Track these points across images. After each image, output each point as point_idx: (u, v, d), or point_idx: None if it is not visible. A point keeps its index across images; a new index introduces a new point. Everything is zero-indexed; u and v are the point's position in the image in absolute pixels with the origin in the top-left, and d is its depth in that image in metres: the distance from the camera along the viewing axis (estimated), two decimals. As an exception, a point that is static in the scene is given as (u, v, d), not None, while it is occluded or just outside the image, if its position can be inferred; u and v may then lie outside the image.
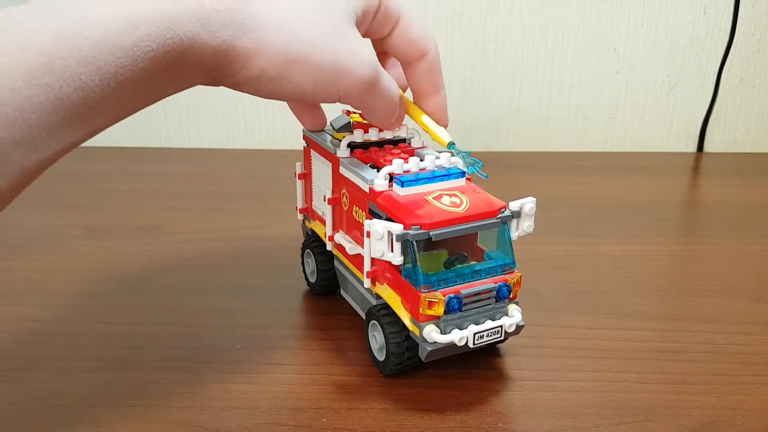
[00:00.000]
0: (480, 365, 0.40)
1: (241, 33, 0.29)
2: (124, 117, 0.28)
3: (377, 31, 0.37)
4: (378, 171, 0.39)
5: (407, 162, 0.39)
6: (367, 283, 0.39)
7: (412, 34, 0.37)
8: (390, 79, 0.36)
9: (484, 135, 0.81)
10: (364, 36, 0.36)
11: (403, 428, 0.35)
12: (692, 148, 0.82)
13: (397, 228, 0.35)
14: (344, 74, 0.32)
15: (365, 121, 0.44)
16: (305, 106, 0.43)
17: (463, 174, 0.39)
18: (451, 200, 0.37)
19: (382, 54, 0.40)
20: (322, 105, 0.44)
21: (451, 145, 0.39)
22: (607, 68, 0.79)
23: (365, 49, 0.33)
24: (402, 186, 0.37)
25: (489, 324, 0.37)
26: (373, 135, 0.42)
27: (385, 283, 0.38)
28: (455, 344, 0.36)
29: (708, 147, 0.82)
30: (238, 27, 0.29)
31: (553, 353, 0.42)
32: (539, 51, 0.78)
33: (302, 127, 0.47)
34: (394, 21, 0.37)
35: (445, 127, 0.41)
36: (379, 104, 0.36)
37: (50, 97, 0.24)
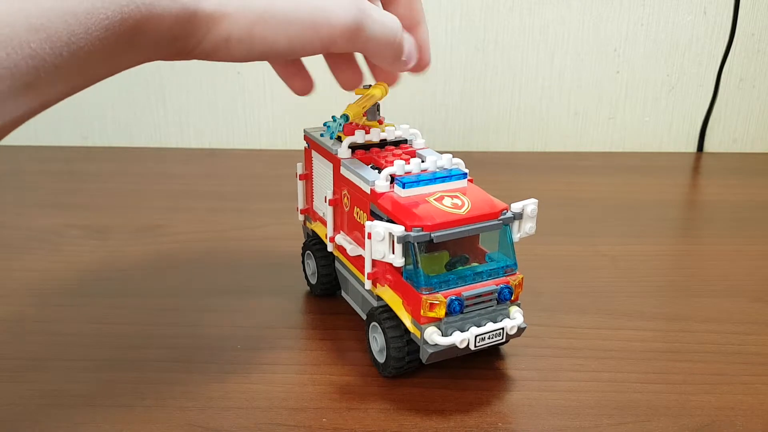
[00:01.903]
0: (480, 365, 0.40)
1: None
2: (81, 89, 0.27)
3: None
4: (379, 172, 0.39)
5: (408, 163, 0.39)
6: (368, 284, 0.39)
7: None
8: (382, 14, 0.33)
9: (484, 135, 0.81)
10: None
11: (403, 428, 0.35)
12: (692, 148, 0.82)
13: (398, 229, 0.35)
14: (320, 22, 0.30)
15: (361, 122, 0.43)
16: (289, 67, 0.40)
17: (464, 175, 0.39)
18: (452, 202, 0.37)
19: None
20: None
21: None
22: (607, 68, 0.79)
23: None
24: (403, 187, 0.37)
25: (490, 326, 0.36)
26: (374, 136, 0.42)
27: (386, 285, 0.38)
28: (456, 346, 0.36)
29: (708, 147, 0.82)
30: None
31: (553, 353, 0.42)
32: (539, 51, 0.78)
33: (303, 128, 0.47)
34: None
35: (428, 62, 0.39)
36: (376, 46, 0.33)
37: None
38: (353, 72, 0.39)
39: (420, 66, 0.38)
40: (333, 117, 0.40)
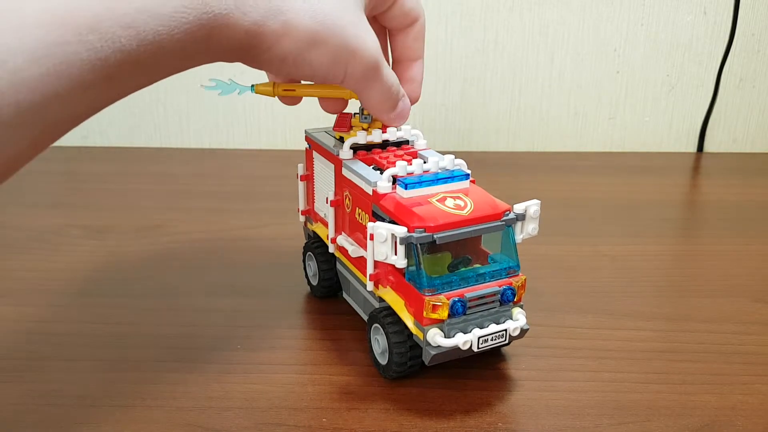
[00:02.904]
0: (480, 365, 0.40)
1: (271, 15, 0.30)
2: (154, 82, 0.29)
3: (377, 7, 0.38)
4: (381, 173, 0.39)
5: (411, 164, 0.39)
6: (370, 286, 0.39)
7: (407, 5, 0.38)
8: (391, 72, 0.37)
9: (484, 135, 0.81)
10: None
11: (403, 428, 0.35)
12: (692, 148, 0.82)
13: (400, 231, 0.35)
14: (352, 55, 0.33)
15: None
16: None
17: (467, 176, 0.39)
18: (455, 203, 0.37)
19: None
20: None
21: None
22: (607, 68, 0.79)
23: (371, 33, 0.34)
24: (405, 188, 0.37)
25: (493, 327, 0.36)
26: (376, 137, 0.42)
27: (388, 286, 0.38)
28: (459, 348, 0.36)
29: (708, 147, 0.82)
30: (268, 9, 0.30)
31: (553, 353, 0.42)
32: (539, 51, 0.78)
33: (304, 128, 0.47)
34: None
35: (417, 98, 0.41)
36: (379, 92, 0.36)
37: (91, 56, 0.24)
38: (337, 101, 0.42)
39: (410, 100, 0.42)
40: (230, 80, 0.40)
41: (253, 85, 0.40)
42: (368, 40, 0.34)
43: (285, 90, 0.40)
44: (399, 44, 0.41)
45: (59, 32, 0.23)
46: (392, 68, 0.41)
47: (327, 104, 0.42)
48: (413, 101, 0.42)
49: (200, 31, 0.28)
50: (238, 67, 0.37)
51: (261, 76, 0.41)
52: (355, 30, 0.33)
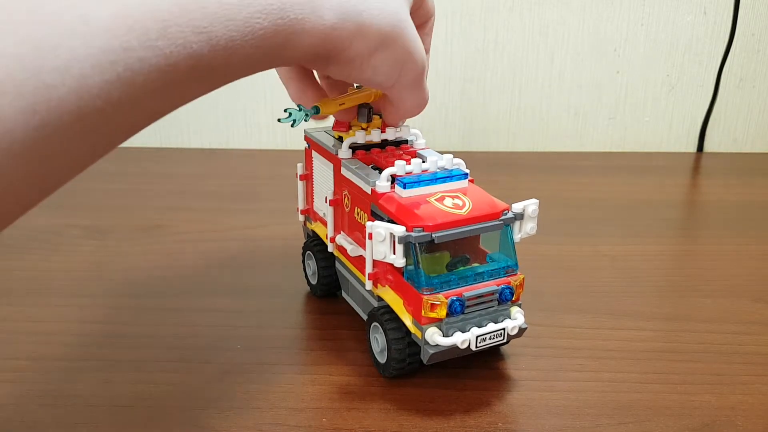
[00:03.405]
0: (480, 365, 0.40)
1: (348, 16, 0.29)
2: (220, 86, 0.28)
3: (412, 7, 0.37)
4: (380, 172, 0.39)
5: (409, 163, 0.39)
6: (368, 285, 0.39)
7: (429, 2, 0.38)
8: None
9: (484, 135, 0.81)
10: None
11: (403, 428, 0.35)
12: (692, 148, 0.82)
13: (399, 230, 0.35)
14: (410, 58, 0.33)
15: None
16: (305, 81, 0.40)
17: (465, 176, 0.39)
18: (453, 202, 0.37)
19: None
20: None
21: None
22: (607, 68, 0.79)
23: (419, 37, 0.34)
24: (404, 188, 0.37)
25: (492, 327, 0.36)
26: (375, 136, 0.42)
27: (386, 286, 0.38)
28: (458, 347, 0.36)
29: (708, 147, 0.82)
30: (345, 10, 0.29)
31: (553, 353, 0.42)
32: (539, 51, 0.78)
33: (303, 128, 0.47)
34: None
35: (417, 114, 0.40)
36: (418, 97, 0.36)
37: (160, 62, 0.24)
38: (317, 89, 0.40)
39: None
40: (299, 106, 0.39)
41: (316, 107, 0.39)
42: (420, 44, 0.33)
43: (340, 105, 0.39)
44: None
45: (126, 38, 0.23)
46: None
47: (348, 113, 0.41)
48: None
49: (275, 38, 0.27)
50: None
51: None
52: (413, 32, 0.33)
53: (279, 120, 0.38)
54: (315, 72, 0.39)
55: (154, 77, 0.24)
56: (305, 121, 0.39)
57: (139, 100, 0.24)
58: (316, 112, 0.38)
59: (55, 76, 0.21)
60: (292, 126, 0.38)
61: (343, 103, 0.40)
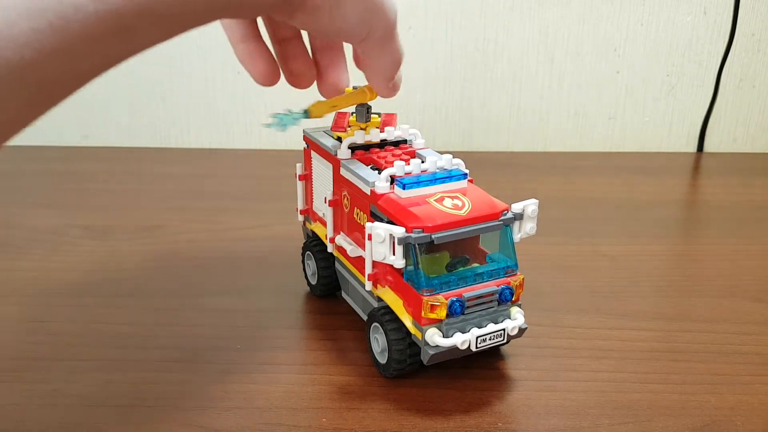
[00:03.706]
0: (480, 365, 0.40)
1: None
2: (174, 35, 0.26)
3: None
4: (379, 173, 0.39)
5: (408, 164, 0.39)
6: (368, 285, 0.39)
7: None
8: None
9: (484, 135, 0.81)
10: None
11: (403, 428, 0.35)
12: (692, 148, 0.82)
13: (398, 231, 0.35)
14: (381, 10, 0.32)
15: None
16: (257, 43, 0.38)
17: (465, 176, 0.39)
18: (453, 202, 0.37)
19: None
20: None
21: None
22: (607, 68, 0.79)
23: None
24: (403, 188, 0.37)
25: (492, 327, 0.36)
26: (374, 136, 0.42)
27: (386, 286, 0.38)
28: (458, 348, 0.36)
29: (708, 147, 0.82)
30: None
31: (553, 353, 0.42)
32: (539, 51, 0.78)
33: (303, 129, 0.47)
34: None
35: (394, 74, 0.39)
36: (390, 56, 0.35)
37: (99, 8, 0.22)
38: (271, 64, 0.38)
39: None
40: (289, 110, 0.38)
41: (305, 110, 0.39)
42: None
43: (331, 107, 0.39)
44: None
45: None
46: None
47: (327, 89, 0.39)
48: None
49: None
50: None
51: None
52: None
53: (267, 125, 0.37)
54: (270, 37, 0.38)
55: (93, 24, 0.22)
56: (294, 125, 0.38)
57: (78, 50, 0.22)
58: (306, 116, 0.38)
59: None
60: (281, 131, 0.38)
61: (336, 105, 0.40)
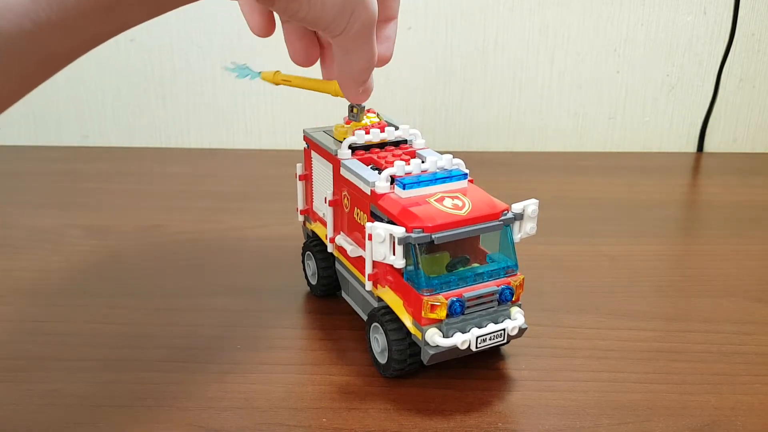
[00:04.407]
0: (480, 365, 0.40)
1: None
2: (161, 12, 0.26)
3: None
4: (379, 173, 0.39)
5: (409, 164, 0.39)
6: (368, 285, 0.39)
7: None
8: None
9: (484, 135, 0.81)
10: None
11: (403, 428, 0.35)
12: (692, 148, 0.82)
13: (398, 231, 0.35)
14: (359, 5, 0.32)
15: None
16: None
17: (465, 176, 0.39)
18: (453, 202, 0.37)
19: None
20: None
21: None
22: (607, 68, 0.79)
23: None
24: (404, 188, 0.37)
25: (492, 327, 0.36)
26: (374, 136, 0.42)
27: (386, 286, 0.38)
28: (458, 348, 0.36)
29: (708, 147, 0.82)
30: None
31: (553, 353, 0.42)
32: (539, 51, 0.78)
33: (303, 128, 0.47)
34: None
35: (389, 57, 0.40)
36: (366, 54, 0.35)
37: None
38: (268, 16, 0.38)
39: (381, 60, 0.39)
40: (247, 65, 0.42)
41: (259, 72, 0.42)
42: None
43: (283, 80, 0.42)
44: (379, 3, 0.38)
45: None
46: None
47: (298, 53, 0.39)
48: (386, 60, 0.40)
49: None
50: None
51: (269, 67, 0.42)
52: None
53: (226, 68, 0.39)
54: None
55: None
56: (245, 79, 0.42)
57: (71, 23, 0.22)
58: (257, 77, 0.42)
59: None
60: (236, 77, 0.41)
61: (289, 80, 0.42)
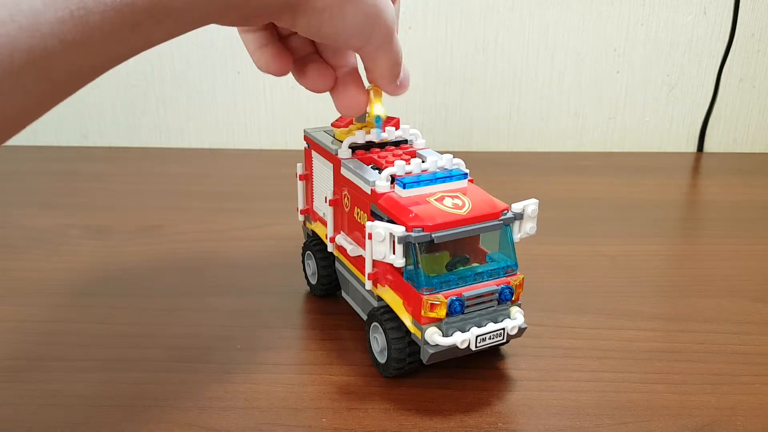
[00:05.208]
0: (480, 365, 0.40)
1: None
2: (183, 32, 0.27)
3: None
4: (380, 172, 0.39)
5: (409, 163, 0.39)
6: (368, 285, 0.39)
7: None
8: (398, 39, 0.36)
9: (484, 135, 0.81)
10: None
11: (403, 428, 0.35)
12: (692, 148, 0.82)
13: (398, 230, 0.35)
14: (378, 18, 0.32)
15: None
16: (272, 46, 0.38)
17: (465, 176, 0.39)
18: (453, 202, 0.37)
19: None
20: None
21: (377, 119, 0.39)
22: (607, 68, 0.79)
23: None
24: (404, 187, 0.37)
25: (491, 326, 0.36)
26: (374, 136, 0.42)
27: (386, 285, 0.38)
28: (457, 347, 0.36)
29: (708, 147, 0.82)
30: None
31: (553, 353, 0.42)
32: (539, 51, 0.78)
33: (303, 128, 0.47)
34: None
35: (397, 75, 0.39)
36: (392, 59, 0.35)
37: (116, 0, 0.22)
38: (284, 57, 0.37)
39: (402, 87, 0.39)
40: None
41: (378, 116, 0.39)
42: (390, 3, 0.33)
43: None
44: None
45: None
46: None
47: (269, 63, 0.38)
48: (404, 88, 0.39)
49: None
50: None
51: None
52: None
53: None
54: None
55: (110, 17, 0.23)
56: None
57: (96, 42, 0.23)
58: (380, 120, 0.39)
59: (2, 12, 0.20)
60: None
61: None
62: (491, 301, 0.37)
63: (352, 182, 0.40)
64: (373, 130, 0.42)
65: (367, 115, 0.43)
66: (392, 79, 0.37)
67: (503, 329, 0.37)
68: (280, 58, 0.37)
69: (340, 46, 0.35)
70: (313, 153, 0.46)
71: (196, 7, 0.25)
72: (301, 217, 0.49)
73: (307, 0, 0.29)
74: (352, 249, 0.41)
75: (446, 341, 0.35)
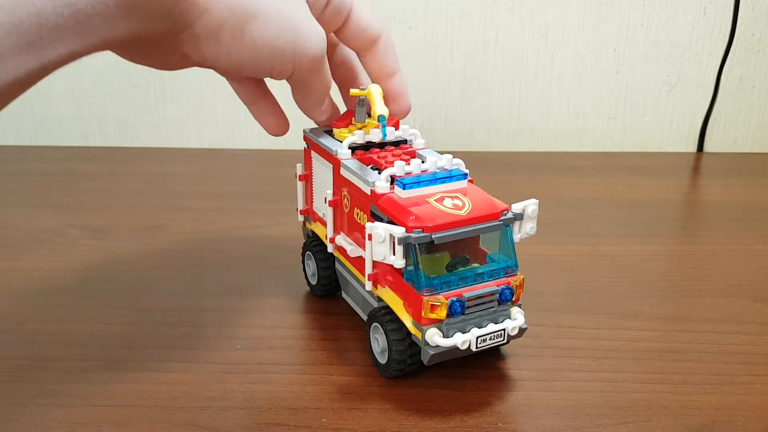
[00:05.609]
0: (480, 365, 0.40)
1: None
2: (78, 56, 0.27)
3: (329, 23, 0.37)
4: (379, 173, 0.39)
5: (409, 164, 0.39)
6: (368, 285, 0.39)
7: (363, 21, 0.38)
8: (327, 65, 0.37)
9: (484, 135, 0.82)
10: None
11: (403, 428, 0.35)
12: (692, 148, 0.82)
13: (398, 231, 0.35)
14: (302, 43, 0.32)
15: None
16: (264, 102, 0.42)
17: (465, 176, 0.39)
18: (453, 202, 0.37)
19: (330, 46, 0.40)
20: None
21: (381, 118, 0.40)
22: (607, 68, 0.79)
23: (317, 23, 0.33)
24: (404, 188, 0.37)
25: (492, 327, 0.36)
26: (374, 136, 0.42)
27: (386, 286, 0.38)
28: (458, 348, 0.36)
29: (708, 147, 0.82)
30: None
31: (553, 353, 0.42)
32: (539, 51, 0.78)
33: (303, 128, 0.47)
34: (346, 13, 0.37)
35: (407, 109, 0.42)
36: (320, 85, 0.36)
37: (3, 20, 0.23)
38: (279, 117, 0.42)
39: (400, 112, 0.42)
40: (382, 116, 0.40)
41: (381, 115, 0.40)
42: (316, 25, 0.33)
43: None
44: (370, 64, 0.40)
45: None
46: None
47: (273, 128, 0.42)
48: (404, 113, 0.42)
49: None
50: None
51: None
52: (300, 12, 0.32)
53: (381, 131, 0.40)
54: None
55: (0, 38, 0.24)
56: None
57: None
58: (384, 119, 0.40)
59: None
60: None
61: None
62: (492, 301, 0.37)
63: (352, 183, 0.40)
64: (374, 131, 0.42)
65: (368, 116, 0.43)
66: (320, 103, 0.38)
67: (504, 330, 0.37)
68: (276, 115, 0.41)
69: (262, 76, 0.35)
70: (313, 153, 0.46)
71: (81, 30, 0.26)
72: (300, 218, 0.49)
73: (194, 19, 0.29)
74: (352, 250, 0.41)
75: (447, 342, 0.35)
